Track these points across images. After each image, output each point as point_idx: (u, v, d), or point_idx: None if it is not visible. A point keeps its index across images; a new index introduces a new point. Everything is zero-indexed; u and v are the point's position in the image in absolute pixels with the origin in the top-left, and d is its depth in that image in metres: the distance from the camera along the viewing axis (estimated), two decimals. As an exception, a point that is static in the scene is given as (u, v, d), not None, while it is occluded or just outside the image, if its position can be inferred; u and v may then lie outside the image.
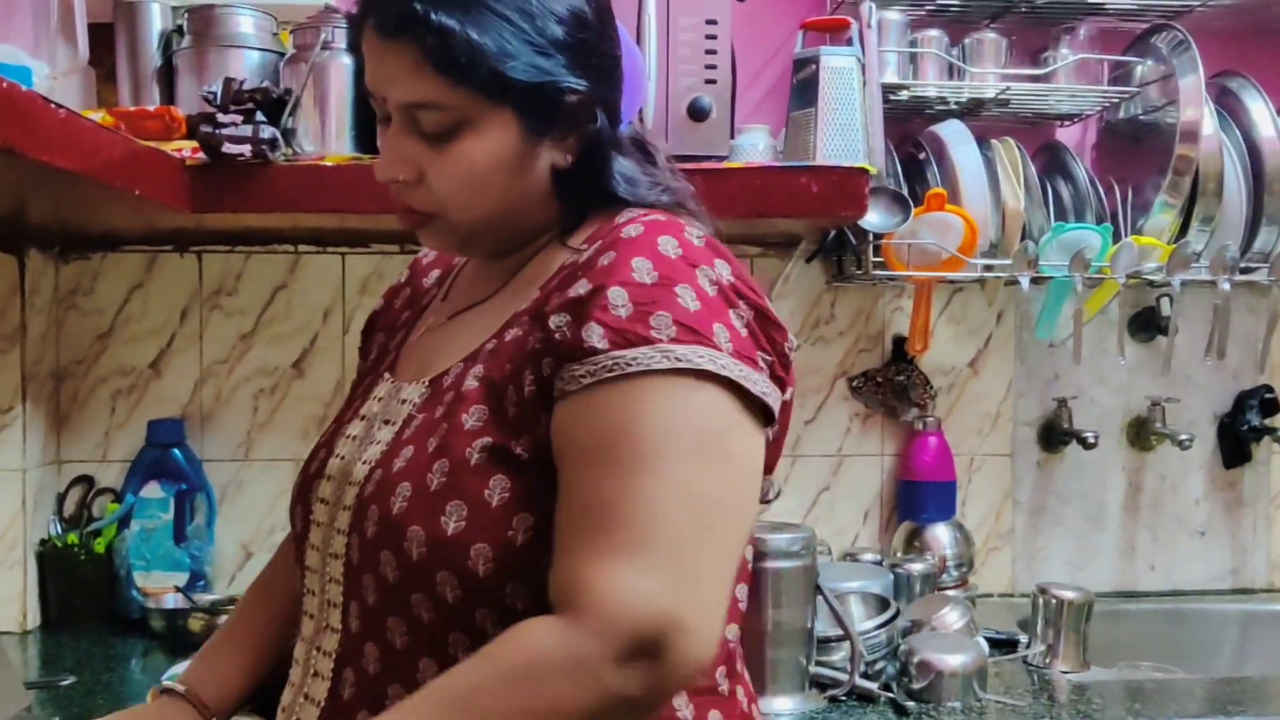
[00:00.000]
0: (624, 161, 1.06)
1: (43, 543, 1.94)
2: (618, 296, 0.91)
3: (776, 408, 0.96)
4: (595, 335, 0.90)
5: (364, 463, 1.02)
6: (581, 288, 0.93)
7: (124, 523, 1.96)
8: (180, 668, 1.63)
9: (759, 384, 0.93)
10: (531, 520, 0.92)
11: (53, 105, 1.22)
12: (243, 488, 2.06)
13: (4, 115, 1.12)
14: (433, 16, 0.94)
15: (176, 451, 2.00)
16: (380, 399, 1.10)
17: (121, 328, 2.03)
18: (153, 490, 1.97)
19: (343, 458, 1.06)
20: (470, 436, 0.95)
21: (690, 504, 0.87)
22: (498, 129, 0.99)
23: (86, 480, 2.02)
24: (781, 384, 0.97)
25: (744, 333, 0.93)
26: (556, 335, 0.92)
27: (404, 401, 1.05)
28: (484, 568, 0.92)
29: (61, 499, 2.01)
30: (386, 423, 1.05)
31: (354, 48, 1.76)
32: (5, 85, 1.12)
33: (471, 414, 0.96)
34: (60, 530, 1.96)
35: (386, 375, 1.12)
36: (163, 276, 2.03)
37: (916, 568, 1.89)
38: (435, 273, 1.24)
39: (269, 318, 2.06)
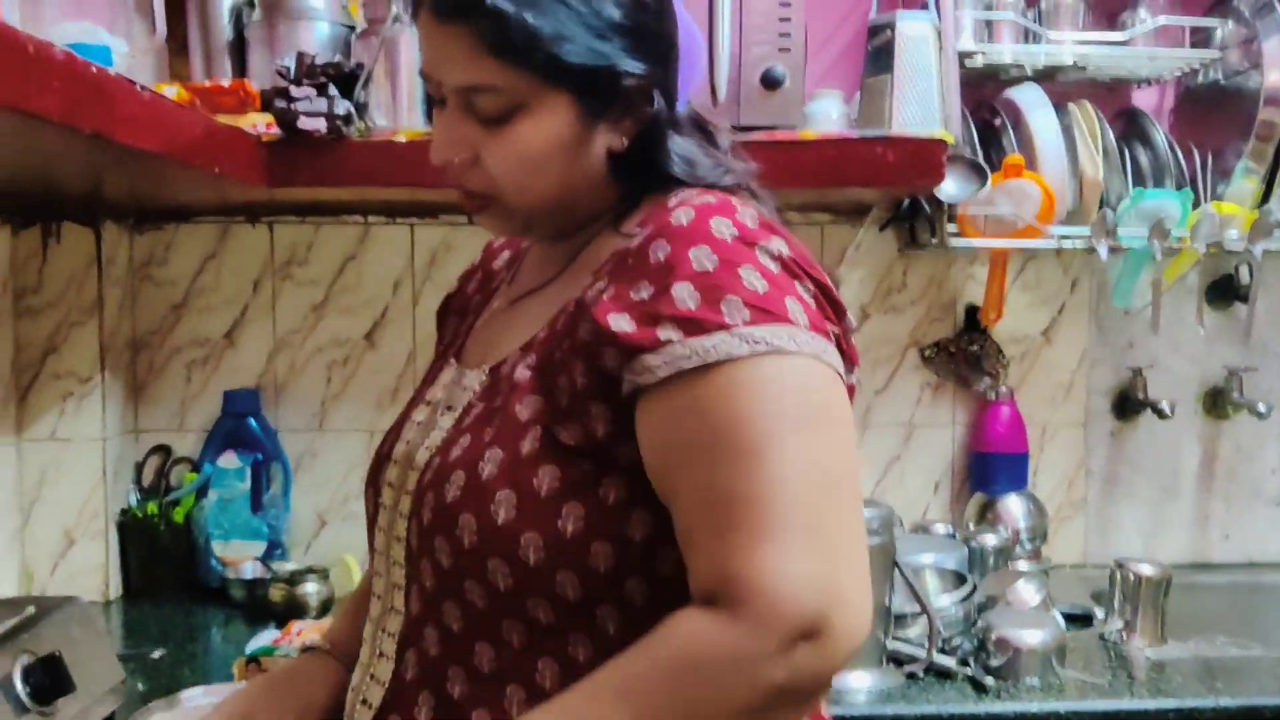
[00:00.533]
0: (682, 142, 1.04)
1: (123, 512, 1.97)
2: (683, 290, 0.89)
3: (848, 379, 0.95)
4: (667, 327, 0.89)
5: (425, 448, 1.04)
6: (644, 291, 0.91)
7: (201, 492, 1.99)
8: (264, 636, 1.66)
9: (833, 356, 0.91)
10: (582, 510, 0.92)
11: (138, 88, 1.23)
12: (317, 457, 2.09)
13: (93, 101, 1.12)
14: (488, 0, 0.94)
15: (252, 421, 2.02)
16: (445, 385, 1.10)
17: (195, 298, 2.05)
18: (229, 460, 2.00)
19: (408, 443, 1.07)
20: (523, 427, 0.95)
21: (815, 477, 0.86)
22: (553, 112, 0.98)
23: (164, 449, 2.05)
24: (846, 358, 0.95)
25: (813, 304, 0.92)
26: (615, 328, 0.90)
27: (465, 388, 1.06)
28: (534, 556, 0.92)
29: (140, 468, 2.04)
30: (449, 409, 1.06)
31: (423, 21, 1.76)
32: (95, 71, 1.13)
33: (525, 404, 0.96)
34: (139, 500, 2.00)
35: (452, 360, 1.13)
36: (235, 247, 2.05)
37: (990, 540, 1.88)
38: (505, 254, 1.24)
39: (340, 288, 2.07)
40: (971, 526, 2.02)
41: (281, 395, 2.07)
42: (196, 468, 2.03)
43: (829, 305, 0.94)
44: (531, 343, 1.01)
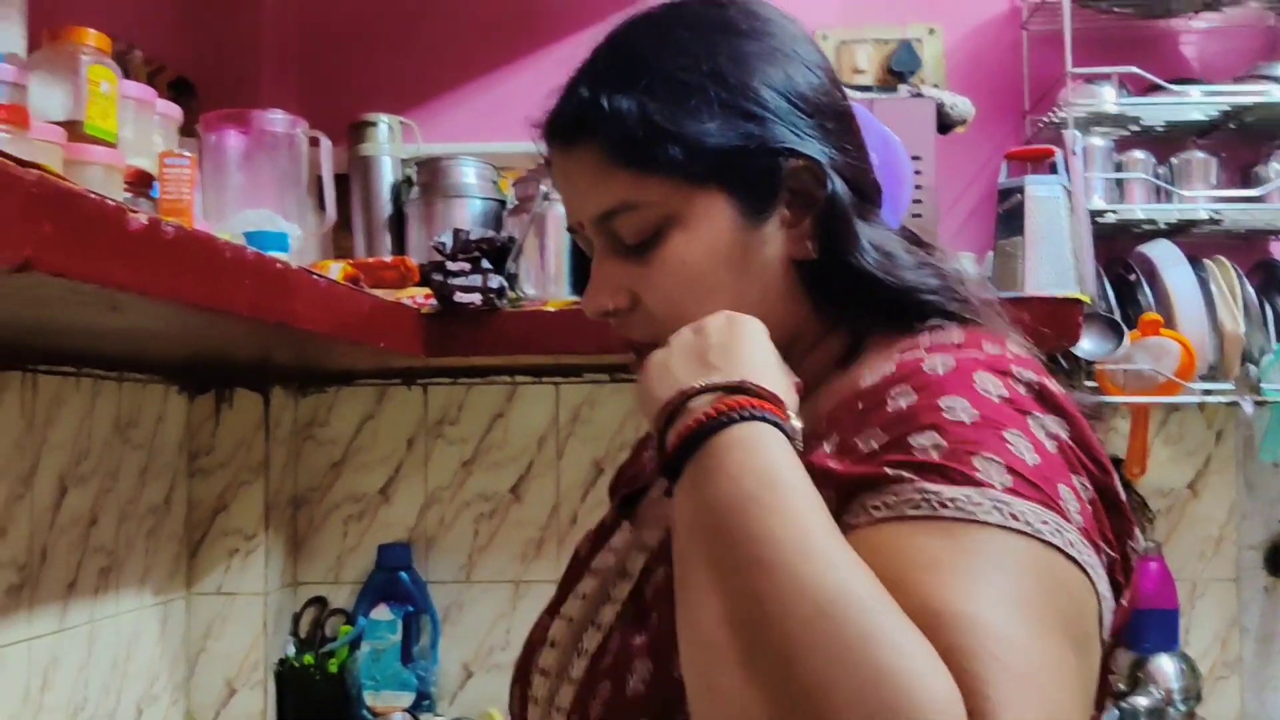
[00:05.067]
0: (876, 232, 0.85)
1: (281, 663, 2.05)
2: (925, 439, 0.69)
3: (1110, 623, 0.71)
4: (900, 468, 0.69)
5: (595, 626, 0.87)
6: (875, 441, 0.72)
7: (355, 644, 2.07)
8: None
9: (1103, 582, 0.69)
10: None
11: (316, 278, 1.34)
12: (464, 609, 2.15)
13: (278, 295, 1.23)
14: (604, 102, 0.82)
15: (404, 574, 2.10)
16: (616, 549, 0.93)
17: (353, 456, 2.16)
18: (382, 612, 2.07)
19: (571, 619, 0.91)
20: None
21: (1065, 680, 0.63)
22: (707, 217, 0.82)
23: (320, 601, 2.14)
24: (1118, 591, 0.73)
25: (1089, 509, 0.70)
26: (837, 468, 0.72)
27: (643, 549, 0.89)
28: None
29: (297, 619, 2.13)
30: (623, 576, 0.89)
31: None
32: (279, 266, 1.23)
33: None
34: (296, 650, 2.08)
35: (625, 526, 0.96)
36: (391, 408, 2.16)
37: (1142, 702, 1.84)
38: None
39: (488, 445, 2.16)
40: (1121, 687, 1.97)
41: (431, 549, 2.15)
42: (351, 619, 2.11)
43: (1111, 518, 0.73)
44: None
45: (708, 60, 0.82)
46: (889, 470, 0.69)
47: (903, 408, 0.73)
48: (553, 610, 0.95)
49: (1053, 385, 0.76)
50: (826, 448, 0.75)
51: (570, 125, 0.84)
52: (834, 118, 0.86)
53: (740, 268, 0.82)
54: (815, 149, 0.83)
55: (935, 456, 0.68)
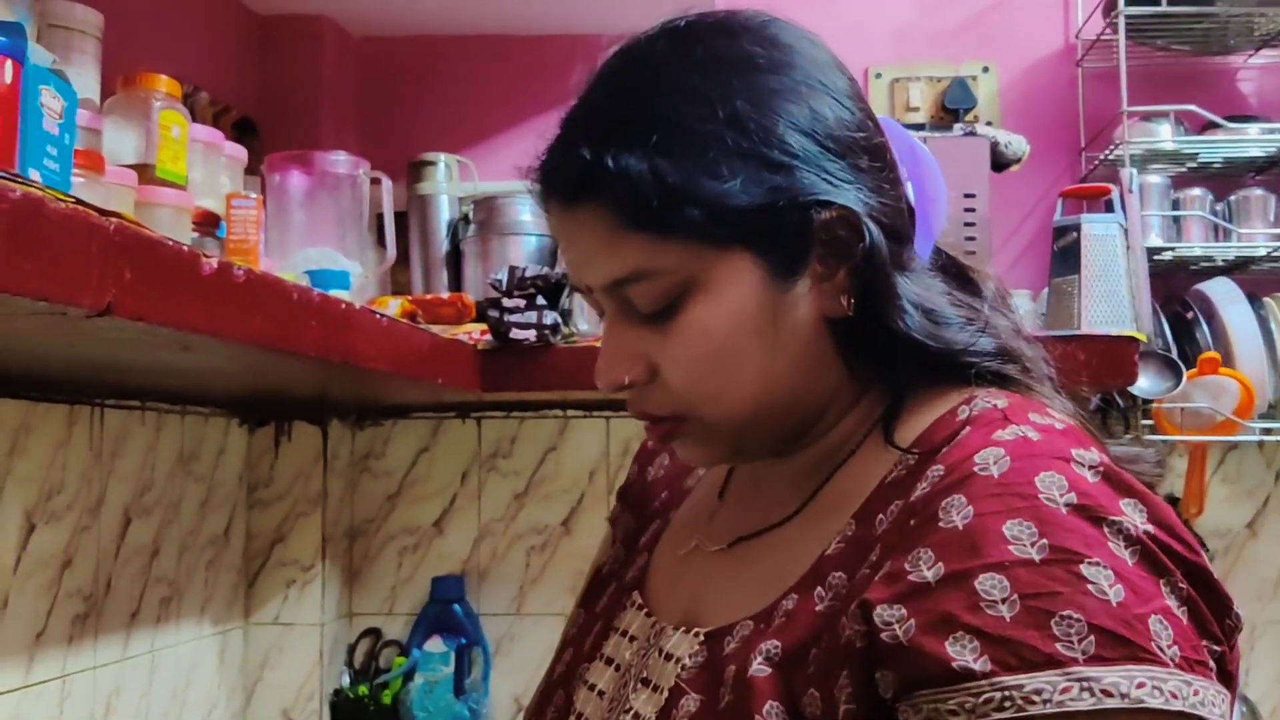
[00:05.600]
0: (916, 287, 0.77)
1: (336, 693, 2.07)
2: (993, 587, 0.63)
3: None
4: (966, 649, 0.62)
5: None
6: (926, 568, 0.65)
7: (409, 675, 2.08)
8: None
9: (1215, 705, 0.63)
10: None
11: (379, 317, 1.36)
12: (515, 641, 2.16)
13: (342, 334, 1.25)
14: (609, 163, 0.73)
15: (457, 607, 2.11)
16: (632, 638, 0.84)
17: (408, 489, 2.18)
18: (435, 644, 2.09)
19: None
20: None
21: None
22: (732, 281, 0.74)
23: (374, 632, 2.16)
24: (1230, 680, 0.66)
25: (1184, 619, 0.64)
26: (887, 636, 0.65)
27: (669, 658, 0.79)
28: None
29: (351, 650, 2.15)
30: (646, 685, 0.79)
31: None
32: (344, 308, 1.26)
33: (768, 716, 0.70)
34: (350, 681, 2.10)
35: (636, 599, 0.87)
36: (446, 441, 2.18)
37: (1201, 746, 1.81)
38: None
39: (540, 478, 2.18)
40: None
41: (483, 581, 2.17)
42: (404, 650, 2.13)
43: (1211, 603, 0.66)
44: (770, 613, 0.75)
45: (724, 105, 0.73)
46: (955, 659, 0.62)
47: (958, 527, 0.65)
48: (565, 689, 0.88)
49: (1112, 461, 0.69)
50: (878, 575, 0.67)
51: (572, 186, 0.76)
52: (867, 153, 0.77)
53: (769, 334, 0.75)
54: (850, 196, 0.75)
55: (1007, 619, 0.62)
